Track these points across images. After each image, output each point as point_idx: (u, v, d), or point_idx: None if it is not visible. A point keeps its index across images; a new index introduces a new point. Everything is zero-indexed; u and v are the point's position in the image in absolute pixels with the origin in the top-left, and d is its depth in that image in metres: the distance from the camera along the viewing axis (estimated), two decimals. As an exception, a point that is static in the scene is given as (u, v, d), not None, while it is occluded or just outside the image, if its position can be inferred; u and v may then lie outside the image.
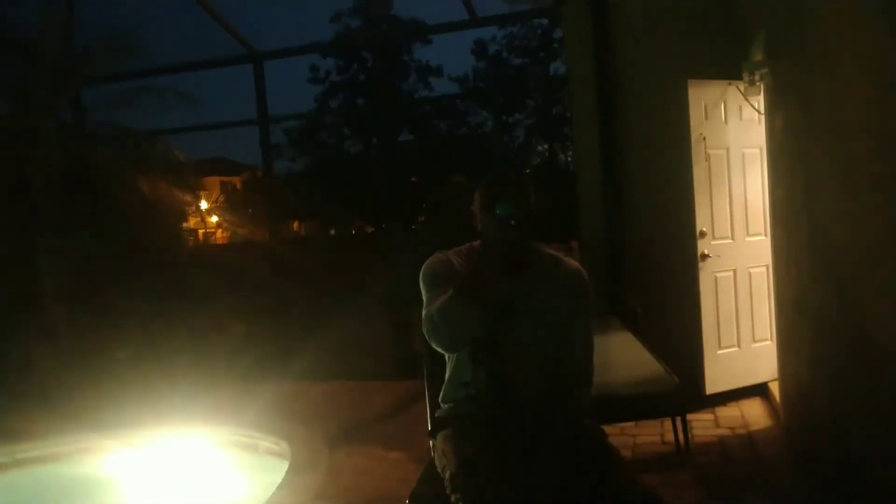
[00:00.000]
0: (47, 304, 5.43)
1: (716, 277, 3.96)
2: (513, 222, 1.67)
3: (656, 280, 4.49)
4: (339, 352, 5.45)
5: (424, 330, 1.74)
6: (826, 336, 2.67)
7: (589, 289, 1.90)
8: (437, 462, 1.80)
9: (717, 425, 3.60)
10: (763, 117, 3.77)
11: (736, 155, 4.02)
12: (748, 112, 3.96)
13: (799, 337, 3.13)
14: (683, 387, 3.05)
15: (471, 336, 1.74)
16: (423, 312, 1.77)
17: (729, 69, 3.81)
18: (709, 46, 4.25)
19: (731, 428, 3.54)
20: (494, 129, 18.83)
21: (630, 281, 4.64)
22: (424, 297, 1.82)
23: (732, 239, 4.02)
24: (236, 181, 25.39)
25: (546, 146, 19.00)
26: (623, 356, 3.43)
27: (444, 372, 1.94)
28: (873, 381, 2.11)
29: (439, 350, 1.81)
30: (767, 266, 3.89)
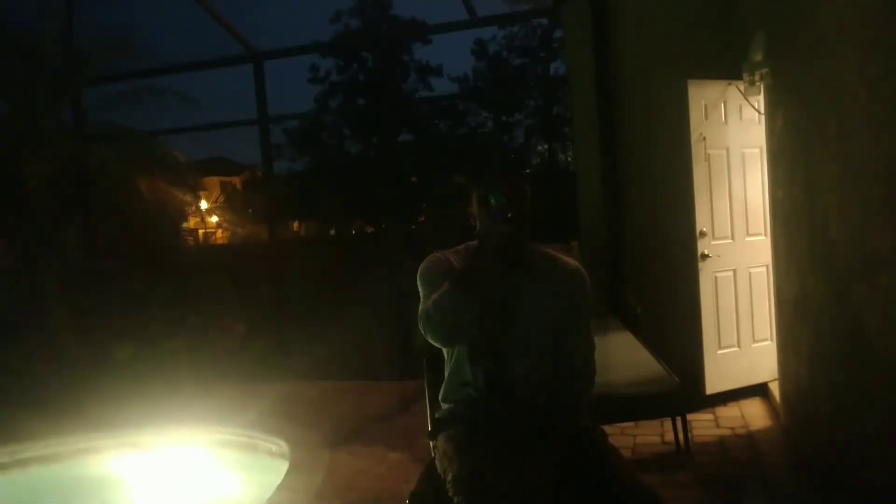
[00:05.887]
0: (47, 304, 5.43)
1: (716, 277, 3.96)
2: (509, 215, 1.67)
3: (656, 280, 4.49)
4: (339, 352, 5.45)
5: (420, 325, 1.74)
6: (826, 336, 2.67)
7: (588, 287, 1.90)
8: (437, 463, 1.80)
9: (717, 425, 3.60)
10: (763, 117, 3.77)
11: (736, 155, 4.02)
12: (748, 112, 3.96)
13: (799, 337, 3.14)
14: (683, 387, 3.06)
15: (467, 331, 1.74)
16: (420, 309, 1.77)
17: (729, 69, 3.81)
18: (709, 46, 4.24)
19: (731, 428, 3.54)
20: (494, 130, 18.83)
21: (630, 281, 4.64)
22: (422, 295, 1.82)
23: (732, 239, 4.02)
24: (236, 181, 25.41)
25: (546, 146, 19.00)
26: (623, 356, 3.43)
27: (444, 371, 1.94)
28: (873, 380, 2.11)
29: (436, 345, 1.81)
30: (767, 266, 3.89)
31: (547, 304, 1.84)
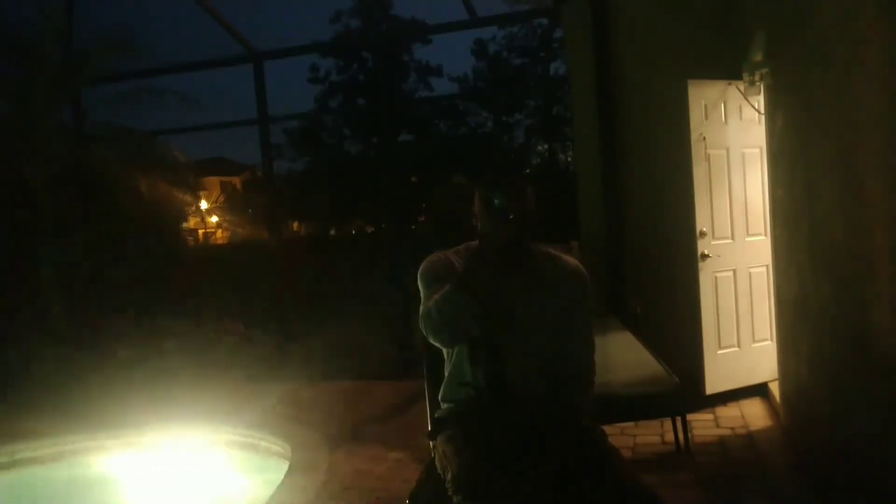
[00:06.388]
0: (48, 304, 5.43)
1: (716, 277, 3.96)
2: (511, 216, 1.67)
3: (656, 280, 4.49)
4: (338, 352, 5.45)
5: (422, 325, 1.74)
6: (826, 336, 2.67)
7: (588, 287, 1.90)
8: (437, 463, 1.80)
9: (717, 425, 3.60)
10: (763, 117, 3.78)
11: (736, 155, 4.02)
12: (748, 112, 3.96)
13: (799, 337, 3.14)
14: (683, 387, 3.06)
15: (468, 332, 1.74)
16: (421, 309, 1.77)
17: (729, 69, 3.81)
18: (709, 46, 4.25)
19: (731, 428, 3.54)
20: (494, 130, 18.83)
21: (630, 281, 4.64)
22: (422, 295, 1.82)
23: (732, 239, 4.02)
24: (236, 181, 25.39)
25: (546, 146, 18.99)
26: (623, 356, 3.43)
27: (444, 371, 1.94)
28: (873, 381, 2.11)
29: (436, 345, 1.80)
30: (767, 266, 3.89)
31: (548, 303, 1.84)
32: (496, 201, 1.68)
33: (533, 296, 1.84)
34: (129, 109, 6.25)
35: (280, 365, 5.31)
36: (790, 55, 2.99)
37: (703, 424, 3.60)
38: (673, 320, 4.19)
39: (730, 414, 3.75)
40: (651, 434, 3.47)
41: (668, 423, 3.36)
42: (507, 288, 1.81)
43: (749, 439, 3.39)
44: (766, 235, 3.91)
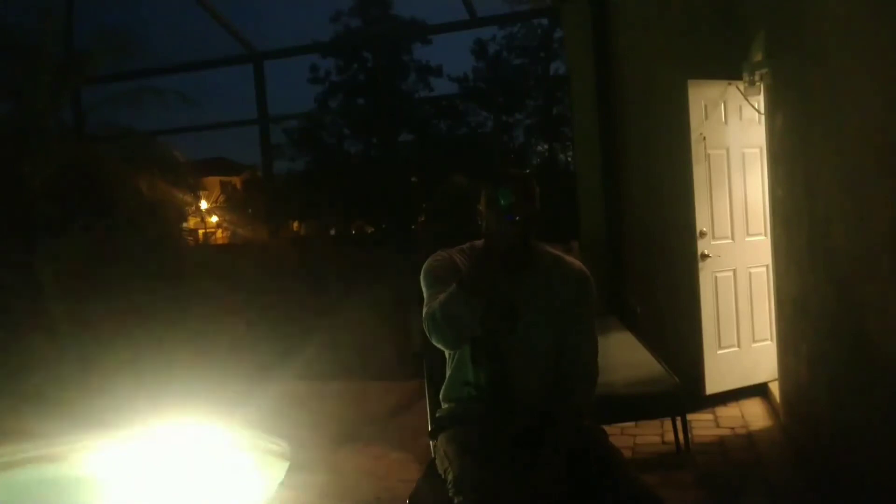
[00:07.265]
0: (47, 303, 5.43)
1: (716, 277, 3.96)
2: (517, 218, 1.66)
3: (656, 280, 4.49)
4: (339, 352, 5.45)
5: (424, 326, 1.72)
6: (826, 336, 2.67)
7: (592, 288, 1.89)
8: (438, 463, 1.80)
9: (717, 425, 3.60)
10: (763, 117, 3.78)
11: (736, 155, 4.02)
12: (748, 112, 3.96)
13: (799, 337, 3.14)
14: (683, 387, 3.06)
15: (472, 333, 1.73)
16: (424, 309, 1.75)
17: (729, 69, 3.81)
18: (709, 46, 4.25)
19: (731, 428, 3.54)
20: (494, 130, 18.83)
21: (630, 281, 4.65)
22: (425, 295, 1.80)
23: (732, 239, 4.02)
24: (236, 181, 25.37)
25: (546, 146, 19.00)
26: (623, 356, 3.43)
27: (445, 371, 1.93)
28: (873, 381, 2.11)
29: (439, 346, 1.79)
30: (767, 266, 3.89)
31: (551, 305, 1.83)
32: (502, 201, 1.67)
33: (537, 296, 1.83)
34: (129, 109, 6.26)
35: (280, 364, 5.31)
36: (790, 55, 2.99)
37: (703, 424, 3.60)
38: (673, 320, 4.19)
39: (730, 414, 3.75)
40: (651, 434, 3.47)
41: (668, 423, 3.36)
42: (511, 288, 1.81)
43: (749, 439, 3.39)
44: (766, 235, 3.91)
